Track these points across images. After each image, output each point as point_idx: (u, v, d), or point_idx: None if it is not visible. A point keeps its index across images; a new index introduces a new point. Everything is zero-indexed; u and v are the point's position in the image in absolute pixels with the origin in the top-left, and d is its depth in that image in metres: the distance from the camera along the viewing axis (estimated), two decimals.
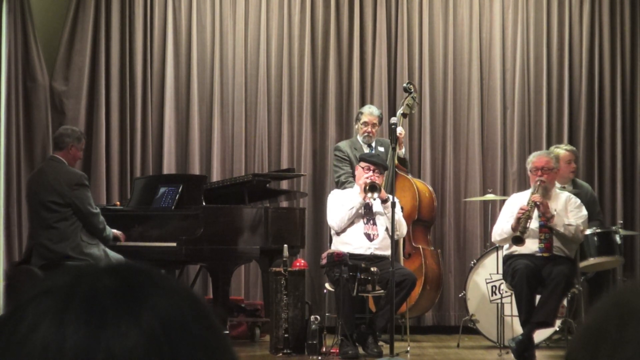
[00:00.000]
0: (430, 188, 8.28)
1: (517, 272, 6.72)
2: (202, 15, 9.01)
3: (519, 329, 6.88)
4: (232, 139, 8.97)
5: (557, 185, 7.39)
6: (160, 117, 8.92)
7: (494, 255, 7.57)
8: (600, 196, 8.68)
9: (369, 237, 7.22)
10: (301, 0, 8.99)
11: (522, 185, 8.22)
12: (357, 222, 7.24)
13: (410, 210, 7.90)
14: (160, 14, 8.96)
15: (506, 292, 7.22)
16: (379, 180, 7.18)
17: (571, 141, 8.77)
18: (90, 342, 0.76)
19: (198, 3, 8.98)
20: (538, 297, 6.79)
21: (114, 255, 6.82)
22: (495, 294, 7.59)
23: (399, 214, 7.17)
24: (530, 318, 6.66)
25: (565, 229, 6.79)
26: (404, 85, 7.89)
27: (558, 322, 7.03)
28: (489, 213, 8.25)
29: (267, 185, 8.01)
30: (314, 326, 6.84)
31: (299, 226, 7.80)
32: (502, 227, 6.94)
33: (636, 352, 0.81)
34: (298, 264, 7.29)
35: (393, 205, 6.83)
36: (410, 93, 7.74)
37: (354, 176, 7.54)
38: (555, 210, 6.85)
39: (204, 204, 7.27)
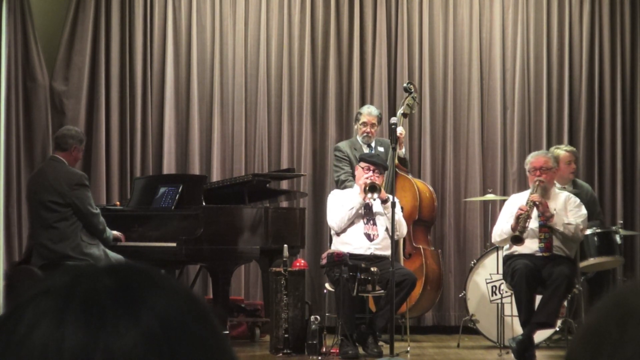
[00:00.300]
0: (431, 188, 8.28)
1: (517, 272, 6.72)
2: (202, 15, 9.01)
3: (519, 329, 6.88)
4: (232, 139, 8.97)
5: (557, 185, 7.39)
6: (160, 117, 8.92)
7: (494, 255, 7.57)
8: (600, 196, 8.68)
9: (369, 237, 7.22)
10: (301, 0, 8.99)
11: (522, 185, 8.22)
12: (357, 222, 7.24)
13: (410, 211, 7.90)
14: (160, 14, 8.96)
15: (506, 292, 7.22)
16: (378, 180, 7.18)
17: (571, 141, 8.78)
18: (89, 342, 0.75)
19: (198, 3, 8.98)
20: (538, 297, 6.79)
21: (113, 255, 6.82)
22: (495, 294, 7.59)
23: (399, 214, 7.17)
24: (530, 318, 6.66)
25: (565, 228, 6.79)
26: (404, 85, 7.89)
27: (558, 322, 7.03)
28: (489, 213, 8.25)
29: (267, 185, 8.01)
30: (314, 326, 6.84)
31: (299, 226, 7.80)
32: (501, 227, 6.94)
33: (636, 352, 0.81)
34: (298, 264, 7.29)
35: (393, 205, 6.83)
36: (411, 93, 7.74)
37: (353, 176, 7.55)
38: (555, 209, 6.85)
39: (204, 204, 7.27)
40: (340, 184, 7.72)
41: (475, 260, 7.91)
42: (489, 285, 7.67)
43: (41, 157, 8.25)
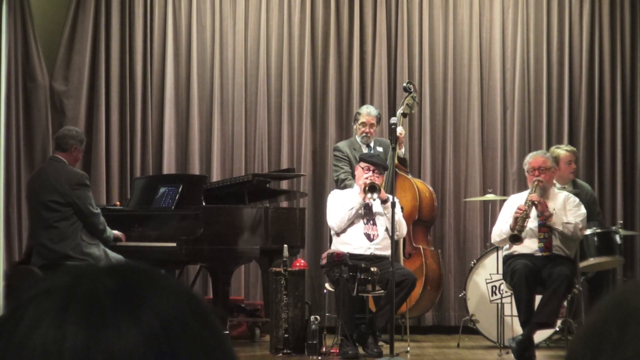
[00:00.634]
0: (431, 188, 8.28)
1: (517, 272, 6.73)
2: (202, 15, 9.01)
3: (519, 329, 6.88)
4: (232, 139, 8.97)
5: (557, 185, 7.40)
6: (160, 117, 8.92)
7: (494, 255, 7.57)
8: (600, 196, 8.68)
9: (369, 237, 7.22)
10: (301, 0, 8.99)
11: (522, 185, 8.22)
12: (357, 223, 7.24)
13: (410, 211, 7.89)
14: (160, 14, 8.96)
15: (506, 292, 7.22)
16: (378, 180, 7.18)
17: (571, 141, 8.78)
18: (89, 343, 0.75)
19: (198, 3, 8.98)
20: (538, 297, 6.79)
21: (114, 255, 6.82)
22: (495, 294, 7.59)
23: (398, 214, 7.17)
24: (530, 318, 6.66)
25: (564, 227, 6.79)
26: (404, 84, 7.88)
27: (558, 322, 7.03)
28: (489, 213, 8.25)
29: (267, 185, 8.01)
30: (314, 326, 6.84)
31: (299, 226, 7.80)
32: (501, 227, 6.95)
33: (637, 353, 0.81)
34: (298, 264, 7.29)
35: (393, 205, 6.83)
36: (410, 93, 7.74)
37: (353, 176, 7.55)
38: (554, 209, 6.85)
39: (204, 204, 7.27)
40: (340, 183, 7.72)
41: (475, 260, 7.91)
42: (489, 285, 7.67)
43: (41, 157, 8.25)
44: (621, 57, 9.03)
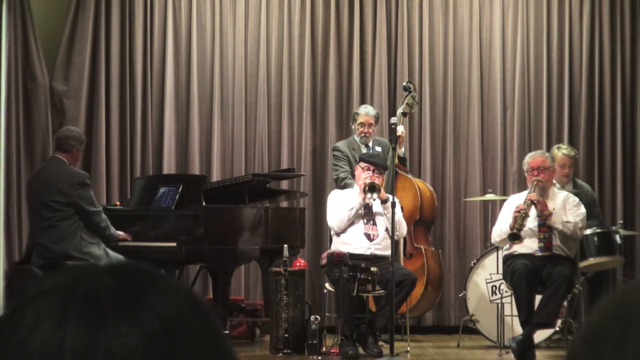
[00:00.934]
0: (431, 188, 8.28)
1: (517, 272, 6.73)
2: (202, 15, 9.01)
3: (519, 329, 6.88)
4: (232, 139, 8.97)
5: (557, 185, 7.40)
6: (160, 117, 8.92)
7: (494, 255, 7.57)
8: (600, 196, 8.69)
9: (369, 237, 7.22)
10: (301, 0, 8.99)
11: (522, 185, 8.21)
12: (357, 223, 7.24)
13: (411, 211, 7.89)
14: (160, 14, 8.96)
15: (506, 292, 7.22)
16: (378, 180, 7.18)
17: (571, 141, 8.78)
18: (90, 342, 0.75)
19: (198, 3, 8.98)
20: (538, 297, 6.79)
21: (114, 255, 6.83)
22: (495, 294, 7.59)
23: (398, 214, 7.17)
24: (530, 318, 6.66)
25: (564, 226, 6.79)
26: (404, 84, 7.87)
27: (558, 322, 7.03)
28: (489, 213, 8.25)
29: (267, 185, 8.01)
30: (314, 326, 6.84)
31: (299, 226, 7.80)
32: (500, 227, 6.95)
33: (638, 353, 0.81)
34: (298, 264, 7.29)
35: (393, 205, 6.82)
36: (410, 92, 7.72)
37: (353, 175, 7.55)
38: (554, 209, 6.86)
39: (204, 204, 7.27)
40: (340, 182, 7.72)
41: (475, 260, 7.91)
42: (489, 285, 7.67)
43: (41, 157, 8.25)
44: (621, 57, 9.03)
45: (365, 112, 7.88)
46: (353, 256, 6.95)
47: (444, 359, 7.08)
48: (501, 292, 7.45)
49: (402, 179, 7.91)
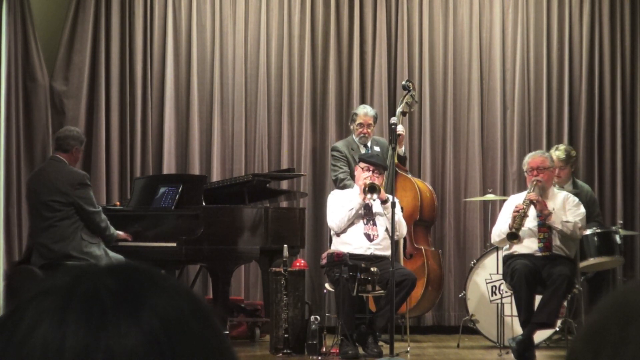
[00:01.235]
0: (431, 188, 8.28)
1: (516, 272, 6.73)
2: (202, 15, 9.01)
3: (519, 329, 6.88)
4: (232, 139, 8.97)
5: (556, 185, 7.40)
6: (160, 117, 8.92)
7: (494, 255, 7.57)
8: (600, 196, 8.68)
9: (369, 238, 7.21)
10: (301, 0, 8.99)
11: (522, 185, 8.21)
12: (357, 223, 7.24)
13: (412, 211, 7.88)
14: (160, 14, 8.96)
15: (506, 292, 7.22)
16: (378, 180, 7.17)
17: (571, 141, 8.77)
18: (90, 342, 0.75)
19: (198, 3, 8.98)
20: (538, 297, 6.79)
21: (114, 255, 6.83)
22: (495, 294, 7.59)
23: (398, 215, 7.16)
24: (530, 318, 6.66)
25: (564, 226, 6.79)
26: (403, 83, 7.85)
27: (558, 323, 7.03)
28: (489, 213, 8.25)
29: (267, 185, 8.01)
30: (314, 326, 6.84)
31: (299, 226, 7.80)
32: (500, 228, 6.95)
33: (638, 353, 0.81)
34: (298, 264, 7.29)
35: (393, 205, 6.82)
36: (409, 91, 7.70)
37: (352, 176, 7.55)
38: (554, 208, 6.86)
39: (204, 204, 7.27)
40: (339, 182, 7.71)
41: (475, 260, 7.91)
42: (489, 285, 7.67)
43: (41, 157, 8.25)
44: (621, 57, 9.03)
45: (364, 112, 7.87)
46: (353, 256, 6.95)
47: (444, 359, 7.07)
48: (501, 292, 7.45)
49: (402, 179, 7.91)
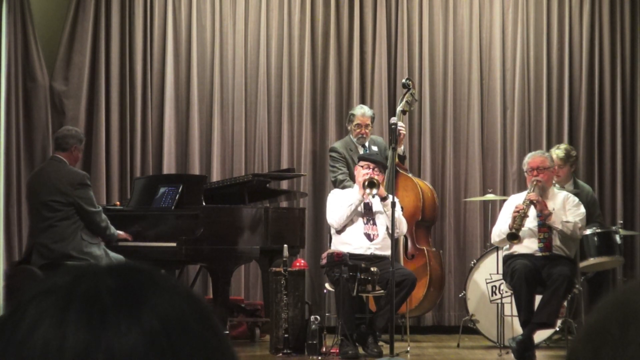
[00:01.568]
0: (431, 187, 8.28)
1: (516, 272, 6.73)
2: (202, 15, 9.01)
3: (519, 329, 6.89)
4: (232, 139, 8.97)
5: (557, 185, 7.40)
6: (160, 117, 8.92)
7: (494, 255, 7.57)
8: (600, 196, 8.68)
9: (369, 237, 7.21)
10: (301, 0, 8.99)
11: (522, 185, 8.21)
12: (357, 222, 7.23)
13: (414, 211, 7.87)
14: (160, 14, 8.96)
15: (506, 292, 7.22)
16: (378, 178, 7.17)
17: (571, 141, 8.77)
18: (90, 342, 0.75)
19: (198, 3, 8.98)
20: (538, 297, 6.79)
21: (114, 255, 6.83)
22: (495, 294, 7.59)
23: (398, 212, 7.15)
24: (530, 318, 6.66)
25: (564, 226, 6.80)
26: (403, 81, 7.81)
27: (558, 323, 7.03)
28: (489, 213, 8.25)
29: (267, 185, 8.01)
30: (314, 326, 6.84)
31: (299, 226, 7.80)
32: (500, 228, 6.95)
33: (638, 353, 0.81)
34: (298, 264, 7.29)
35: (393, 205, 6.82)
36: (409, 89, 7.68)
37: (350, 177, 7.55)
38: (554, 209, 6.86)
39: (204, 204, 7.27)
40: (339, 184, 7.70)
41: (475, 260, 7.91)
42: (489, 285, 7.67)
43: (41, 157, 8.25)
44: (621, 57, 9.03)
45: (362, 112, 7.84)
46: (353, 256, 6.95)
47: (444, 359, 7.07)
48: (501, 292, 7.45)
49: (403, 179, 7.91)
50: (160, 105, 8.93)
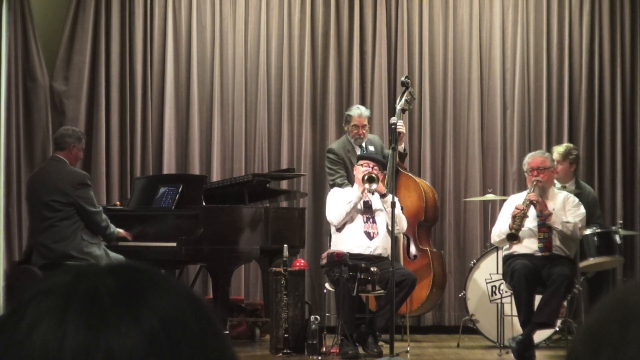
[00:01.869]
0: (432, 187, 8.29)
1: (516, 272, 6.73)
2: (202, 15, 9.01)
3: (519, 329, 6.88)
4: (232, 139, 8.97)
5: (557, 185, 7.40)
6: (160, 117, 8.92)
7: (493, 255, 7.57)
8: (600, 196, 8.67)
9: (369, 236, 7.21)
10: (301, 0, 8.99)
11: (522, 185, 8.21)
12: (357, 220, 7.23)
13: (417, 211, 7.86)
14: (160, 14, 8.96)
15: (506, 292, 7.22)
16: (379, 176, 7.17)
17: (571, 141, 8.76)
18: (90, 342, 0.75)
19: (198, 3, 8.98)
20: (538, 297, 6.79)
21: (114, 255, 6.83)
22: (495, 294, 7.59)
23: (397, 209, 7.14)
24: (530, 318, 6.66)
25: (564, 226, 6.80)
26: (402, 79, 7.79)
27: (558, 322, 7.03)
28: (489, 213, 8.25)
29: (267, 185, 8.01)
30: (314, 326, 6.84)
31: (299, 226, 7.80)
32: (500, 228, 6.95)
33: (638, 353, 0.81)
34: (298, 264, 7.29)
35: (393, 205, 6.82)
36: (408, 87, 7.66)
37: (349, 180, 7.54)
38: (554, 209, 6.86)
39: (204, 204, 7.27)
40: (337, 187, 7.68)
41: (475, 260, 7.91)
42: (489, 285, 7.67)
43: (41, 157, 8.25)
44: (621, 57, 9.03)
45: (358, 113, 7.81)
46: (353, 255, 6.95)
47: (444, 359, 7.07)
48: (501, 292, 7.45)
49: (405, 179, 7.90)
50: (160, 105, 8.93)
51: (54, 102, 8.66)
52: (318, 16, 9.03)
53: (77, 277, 0.80)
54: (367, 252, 7.15)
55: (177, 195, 7.34)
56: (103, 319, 0.76)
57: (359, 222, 7.24)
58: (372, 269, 6.73)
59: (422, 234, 8.02)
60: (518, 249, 6.89)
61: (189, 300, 0.81)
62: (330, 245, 7.40)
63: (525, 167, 7.04)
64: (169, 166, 8.86)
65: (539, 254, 6.85)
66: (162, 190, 7.46)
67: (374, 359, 6.70)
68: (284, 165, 8.84)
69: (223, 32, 9.02)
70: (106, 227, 6.90)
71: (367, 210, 7.26)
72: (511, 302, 7.12)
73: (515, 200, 7.06)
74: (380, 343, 7.02)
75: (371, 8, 9.04)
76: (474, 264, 7.85)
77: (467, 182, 8.98)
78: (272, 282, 7.13)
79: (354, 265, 6.75)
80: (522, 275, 6.67)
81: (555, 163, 7.48)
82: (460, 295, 8.00)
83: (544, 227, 6.86)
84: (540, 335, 7.05)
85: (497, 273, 7.42)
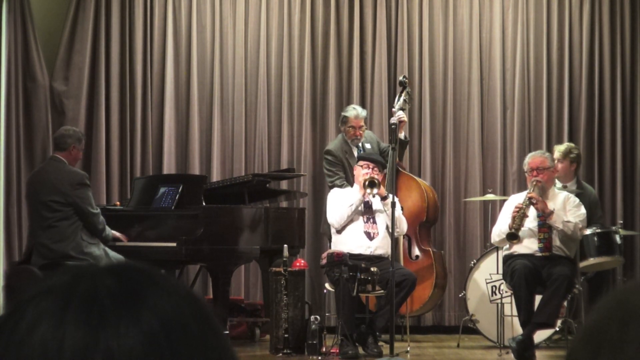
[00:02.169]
0: (432, 187, 8.28)
1: (516, 272, 6.73)
2: (202, 15, 9.01)
3: (519, 329, 6.89)
4: (232, 139, 8.97)
5: (558, 185, 7.39)
6: (160, 117, 8.92)
7: (494, 255, 7.57)
8: (600, 196, 8.67)
9: (369, 236, 7.21)
10: (301, 0, 8.99)
11: (522, 185, 8.21)
12: (357, 221, 7.24)
13: (418, 212, 7.86)
14: (160, 14, 8.96)
15: (506, 292, 7.22)
16: (378, 177, 7.17)
17: (571, 141, 8.75)
18: (89, 342, 0.75)
19: (198, 3, 8.98)
20: (538, 297, 6.79)
21: (114, 255, 6.83)
22: (495, 294, 7.59)
23: (398, 211, 7.15)
24: (530, 318, 6.66)
25: (564, 226, 6.80)
26: (400, 79, 7.75)
27: (558, 323, 7.03)
28: (489, 213, 8.25)
29: (267, 185, 8.00)
30: (314, 326, 6.84)
31: (299, 226, 7.80)
32: (500, 227, 6.95)
33: (637, 353, 0.81)
34: (298, 264, 7.29)
35: (393, 205, 6.82)
36: (405, 87, 7.63)
37: (347, 180, 7.54)
38: (554, 209, 6.86)
39: (204, 204, 7.27)
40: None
41: (475, 260, 7.91)
42: (489, 285, 7.67)
43: (41, 157, 8.25)
44: (621, 57, 9.03)
45: (355, 114, 7.77)
46: (353, 256, 6.95)
47: (444, 359, 7.07)
48: (501, 292, 7.45)
49: (406, 179, 7.90)
50: (160, 105, 8.93)
51: (54, 102, 8.66)
52: (318, 16, 9.03)
53: (77, 277, 0.80)
54: (367, 252, 7.15)
55: (177, 195, 7.34)
56: (102, 319, 0.76)
57: (359, 223, 7.24)
58: (372, 269, 6.73)
59: (423, 234, 8.03)
60: (518, 249, 6.90)
61: (188, 300, 0.81)
62: (330, 246, 7.40)
63: (525, 167, 7.05)
64: (169, 166, 8.86)
65: (539, 254, 6.85)
66: (162, 190, 7.46)
67: (374, 359, 6.70)
68: (284, 165, 8.84)
69: (223, 32, 9.02)
70: (102, 229, 6.91)
71: (367, 210, 7.26)
72: (511, 302, 7.12)
73: (516, 200, 7.06)
74: (380, 343, 7.02)
75: (371, 8, 9.04)
76: (474, 264, 7.85)
77: (467, 182, 8.98)
78: (272, 282, 7.13)
79: (354, 265, 6.75)
80: (522, 275, 6.67)
81: (556, 162, 7.48)
82: (460, 296, 8.00)
83: (544, 227, 6.86)
84: (540, 335, 7.05)
85: (497, 273, 7.42)
